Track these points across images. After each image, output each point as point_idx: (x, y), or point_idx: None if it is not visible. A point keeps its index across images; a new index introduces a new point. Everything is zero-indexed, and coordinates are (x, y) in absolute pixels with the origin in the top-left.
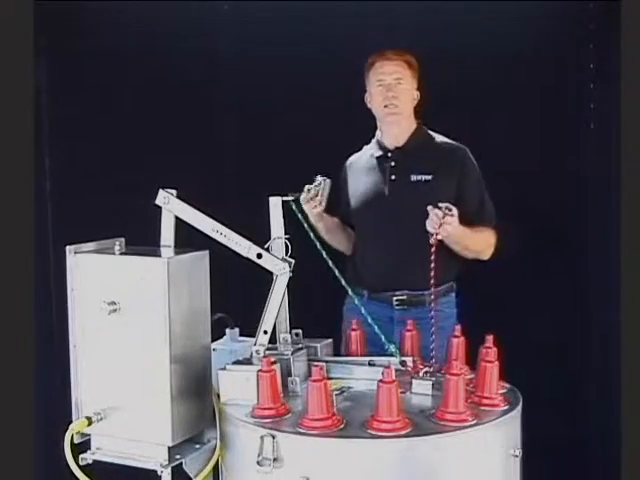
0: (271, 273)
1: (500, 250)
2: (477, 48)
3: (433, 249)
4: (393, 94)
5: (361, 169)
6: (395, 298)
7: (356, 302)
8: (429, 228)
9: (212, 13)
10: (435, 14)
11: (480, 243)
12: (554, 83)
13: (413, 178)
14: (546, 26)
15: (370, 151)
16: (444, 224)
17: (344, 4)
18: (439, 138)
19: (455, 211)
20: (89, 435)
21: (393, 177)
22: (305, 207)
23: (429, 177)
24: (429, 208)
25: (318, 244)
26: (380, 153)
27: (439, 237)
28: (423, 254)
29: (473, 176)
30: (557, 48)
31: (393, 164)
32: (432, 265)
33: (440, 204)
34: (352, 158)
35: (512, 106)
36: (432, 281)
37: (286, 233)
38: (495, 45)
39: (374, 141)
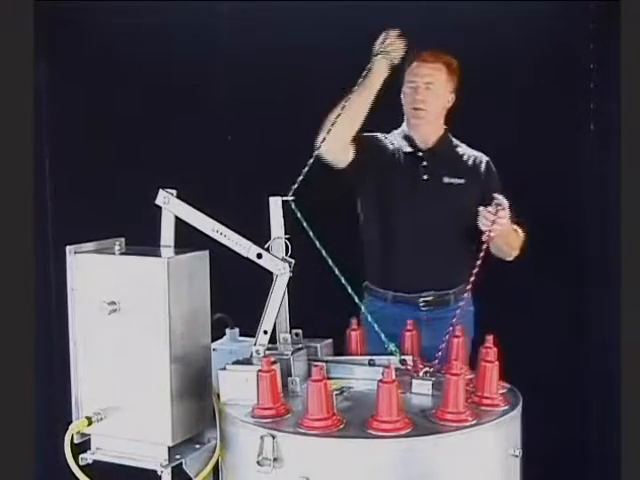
0: (271, 273)
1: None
2: (477, 48)
3: (484, 246)
4: (421, 98)
5: (389, 162)
6: (422, 299)
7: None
8: (482, 226)
9: (212, 13)
10: (435, 14)
11: (519, 240)
12: (554, 83)
13: (446, 180)
14: (546, 26)
15: (396, 144)
16: (497, 220)
17: (344, 4)
18: (461, 145)
19: (506, 206)
20: (89, 435)
21: (425, 177)
22: (390, 48)
23: (462, 181)
24: (481, 208)
25: (318, 243)
26: (410, 150)
27: (492, 234)
28: (448, 254)
29: (497, 185)
30: (557, 48)
31: (425, 164)
32: (478, 262)
33: (495, 199)
34: (381, 138)
35: (512, 106)
36: (472, 278)
37: (286, 233)
38: (495, 45)
39: (399, 135)
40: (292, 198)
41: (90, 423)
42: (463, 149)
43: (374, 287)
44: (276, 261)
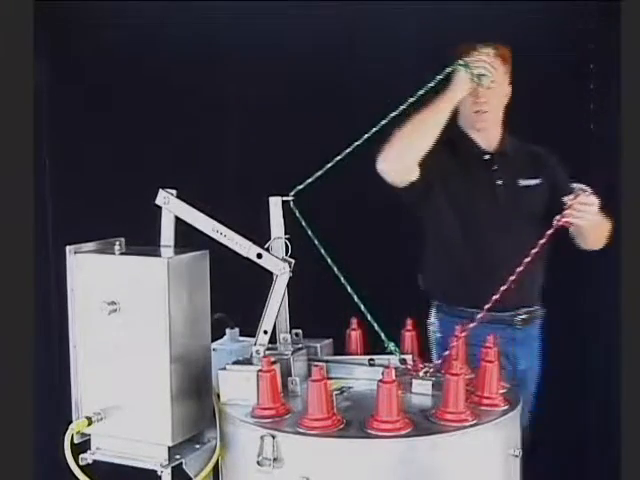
0: (271, 273)
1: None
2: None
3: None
4: (483, 99)
5: (456, 173)
6: (518, 317)
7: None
8: (573, 219)
9: (212, 13)
10: (435, 14)
11: (608, 226)
12: (554, 83)
13: (522, 183)
14: (546, 26)
15: (461, 149)
16: (587, 208)
17: (345, 3)
18: (520, 142)
19: (590, 190)
20: (89, 435)
21: (500, 182)
22: (474, 64)
23: (538, 181)
24: (567, 198)
25: (317, 243)
26: (477, 154)
27: (585, 223)
28: (535, 263)
29: (565, 175)
30: (557, 48)
31: (495, 168)
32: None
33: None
34: (440, 149)
35: (512, 106)
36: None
37: (286, 233)
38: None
39: (459, 141)
40: (292, 198)
41: (90, 423)
42: (526, 146)
43: (460, 307)
44: (276, 261)
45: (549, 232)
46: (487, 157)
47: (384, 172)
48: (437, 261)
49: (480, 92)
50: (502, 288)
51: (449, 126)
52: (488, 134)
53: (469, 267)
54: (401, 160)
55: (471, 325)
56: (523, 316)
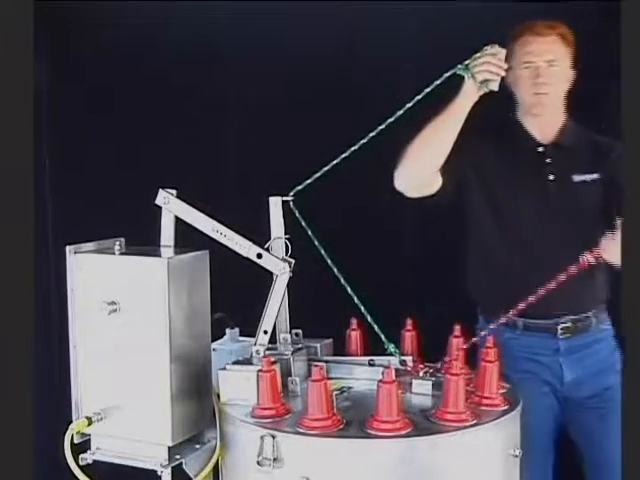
0: (271, 273)
1: None
2: (477, 48)
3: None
4: (543, 80)
5: (501, 167)
6: (560, 326)
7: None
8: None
9: (212, 13)
10: (436, 14)
11: None
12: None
13: (576, 178)
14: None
15: (508, 141)
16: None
17: (345, 3)
18: (584, 131)
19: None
20: (89, 435)
21: (552, 177)
22: (476, 68)
23: (595, 176)
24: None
25: (317, 243)
26: (528, 146)
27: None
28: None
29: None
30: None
31: (549, 161)
32: None
33: None
34: (479, 142)
35: (512, 106)
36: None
37: (286, 233)
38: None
39: (510, 129)
40: (292, 198)
41: (90, 423)
42: (588, 135)
43: (503, 314)
44: (276, 261)
45: (573, 268)
46: (541, 149)
47: (401, 189)
48: (477, 265)
49: (540, 70)
50: (531, 297)
51: (494, 115)
52: (545, 122)
53: (509, 272)
54: (415, 177)
55: (483, 333)
56: (567, 324)
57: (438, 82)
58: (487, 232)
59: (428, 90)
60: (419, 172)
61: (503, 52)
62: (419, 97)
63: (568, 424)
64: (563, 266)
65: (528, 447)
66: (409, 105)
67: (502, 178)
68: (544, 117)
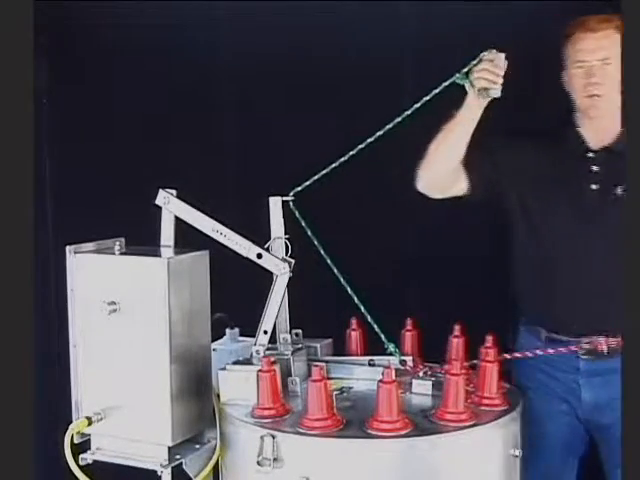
0: (271, 273)
1: None
2: (476, 48)
3: None
4: (597, 79)
5: (536, 168)
6: (582, 345)
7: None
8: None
9: (212, 13)
10: (436, 14)
11: None
12: (554, 83)
13: (619, 191)
14: (546, 26)
15: (556, 142)
16: None
17: (344, 4)
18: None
19: None
20: (89, 435)
21: (594, 187)
22: (474, 75)
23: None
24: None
25: (317, 243)
26: (576, 150)
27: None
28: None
29: None
30: (557, 48)
31: (595, 169)
32: None
33: None
34: (517, 144)
35: (512, 106)
36: None
37: (286, 233)
38: (495, 45)
39: (562, 131)
40: (292, 198)
41: (90, 423)
42: None
43: (536, 327)
44: (276, 261)
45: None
46: (590, 155)
47: (423, 191)
48: (513, 273)
49: (594, 69)
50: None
51: (542, 115)
52: (601, 125)
53: (538, 285)
54: (432, 180)
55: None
56: (588, 346)
57: (437, 91)
58: (527, 239)
59: (427, 99)
60: (435, 175)
61: (501, 57)
62: (417, 105)
63: (596, 446)
64: (586, 284)
65: (545, 465)
66: (407, 113)
67: (538, 179)
68: (600, 120)
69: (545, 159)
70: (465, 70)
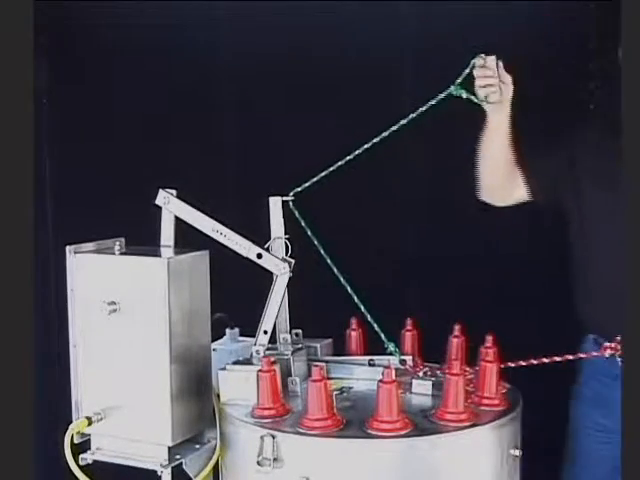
0: (271, 273)
1: None
2: (476, 49)
3: None
4: None
5: (599, 156)
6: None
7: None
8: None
9: (212, 13)
10: (436, 14)
11: None
12: (554, 83)
13: None
14: (546, 26)
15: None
16: None
17: (344, 3)
18: None
19: None
20: (89, 435)
21: None
22: (477, 81)
23: None
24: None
25: (317, 243)
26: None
27: None
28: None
29: None
30: (557, 48)
31: None
32: None
33: None
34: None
35: (512, 106)
36: None
37: (286, 233)
38: (495, 45)
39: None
40: (292, 198)
41: (90, 423)
42: None
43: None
44: (276, 261)
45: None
46: None
47: (487, 201)
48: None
49: None
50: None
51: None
52: None
53: (581, 278)
54: (492, 189)
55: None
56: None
57: (433, 102)
58: (575, 241)
59: (423, 109)
60: (490, 184)
61: (492, 59)
62: (413, 115)
63: None
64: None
65: None
66: (403, 122)
67: (597, 174)
68: None
69: (608, 152)
70: (459, 81)
